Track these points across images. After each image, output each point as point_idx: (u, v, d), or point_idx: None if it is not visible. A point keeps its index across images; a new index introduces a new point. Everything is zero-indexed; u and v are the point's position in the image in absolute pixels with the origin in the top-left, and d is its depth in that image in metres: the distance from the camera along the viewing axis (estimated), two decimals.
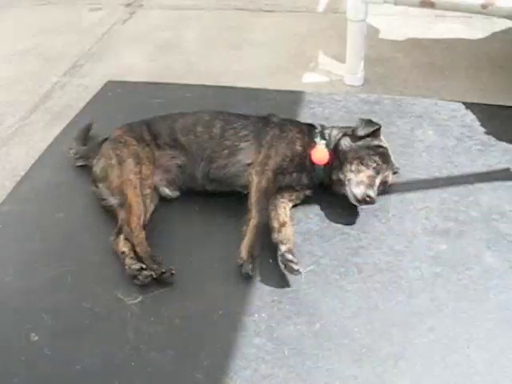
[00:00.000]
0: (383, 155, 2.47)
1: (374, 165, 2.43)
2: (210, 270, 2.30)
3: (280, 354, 1.97)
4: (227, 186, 2.55)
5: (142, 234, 2.32)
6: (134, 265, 2.23)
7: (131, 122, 2.76)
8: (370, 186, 2.39)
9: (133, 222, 2.34)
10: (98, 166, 2.58)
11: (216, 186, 2.56)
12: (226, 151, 2.56)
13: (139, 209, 2.38)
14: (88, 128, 2.96)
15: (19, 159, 2.99)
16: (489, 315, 2.05)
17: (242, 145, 2.55)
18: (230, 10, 4.47)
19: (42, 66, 3.88)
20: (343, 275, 2.23)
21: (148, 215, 2.44)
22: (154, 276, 2.20)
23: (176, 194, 2.61)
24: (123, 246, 2.31)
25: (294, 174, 2.52)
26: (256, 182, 2.43)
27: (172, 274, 2.21)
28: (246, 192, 2.46)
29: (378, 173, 2.44)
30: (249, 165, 2.51)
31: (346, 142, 2.52)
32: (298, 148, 2.54)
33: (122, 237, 2.34)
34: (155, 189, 2.56)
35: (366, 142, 2.49)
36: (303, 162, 2.53)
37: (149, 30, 4.26)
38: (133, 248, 2.29)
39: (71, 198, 2.67)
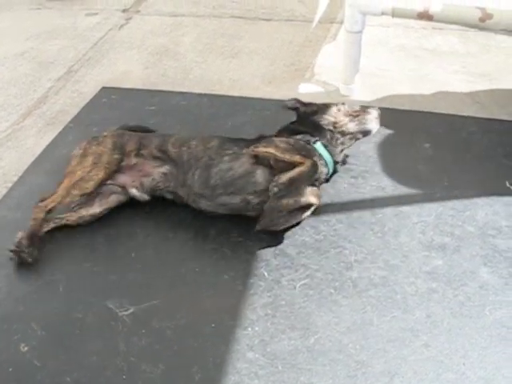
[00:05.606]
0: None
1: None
2: (203, 282, 2.27)
3: (273, 369, 1.94)
4: (235, 192, 2.41)
5: (41, 215, 2.44)
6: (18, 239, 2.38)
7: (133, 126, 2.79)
8: None
9: (46, 202, 2.47)
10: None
11: (217, 195, 2.43)
12: (227, 157, 2.45)
13: (57, 197, 2.47)
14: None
15: (12, 164, 2.96)
16: (484, 332, 2.03)
17: (245, 150, 2.45)
18: (227, 17, 4.44)
19: (36, 70, 3.85)
20: (338, 289, 2.21)
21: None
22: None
23: (145, 197, 2.58)
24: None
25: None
26: (274, 150, 2.40)
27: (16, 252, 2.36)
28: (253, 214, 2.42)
29: None
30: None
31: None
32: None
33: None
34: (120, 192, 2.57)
35: None
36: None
37: (145, 37, 4.23)
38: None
39: None
